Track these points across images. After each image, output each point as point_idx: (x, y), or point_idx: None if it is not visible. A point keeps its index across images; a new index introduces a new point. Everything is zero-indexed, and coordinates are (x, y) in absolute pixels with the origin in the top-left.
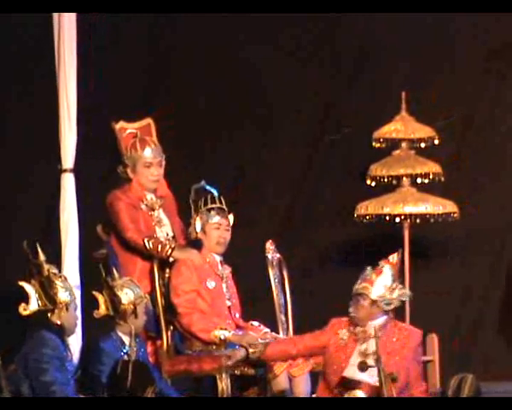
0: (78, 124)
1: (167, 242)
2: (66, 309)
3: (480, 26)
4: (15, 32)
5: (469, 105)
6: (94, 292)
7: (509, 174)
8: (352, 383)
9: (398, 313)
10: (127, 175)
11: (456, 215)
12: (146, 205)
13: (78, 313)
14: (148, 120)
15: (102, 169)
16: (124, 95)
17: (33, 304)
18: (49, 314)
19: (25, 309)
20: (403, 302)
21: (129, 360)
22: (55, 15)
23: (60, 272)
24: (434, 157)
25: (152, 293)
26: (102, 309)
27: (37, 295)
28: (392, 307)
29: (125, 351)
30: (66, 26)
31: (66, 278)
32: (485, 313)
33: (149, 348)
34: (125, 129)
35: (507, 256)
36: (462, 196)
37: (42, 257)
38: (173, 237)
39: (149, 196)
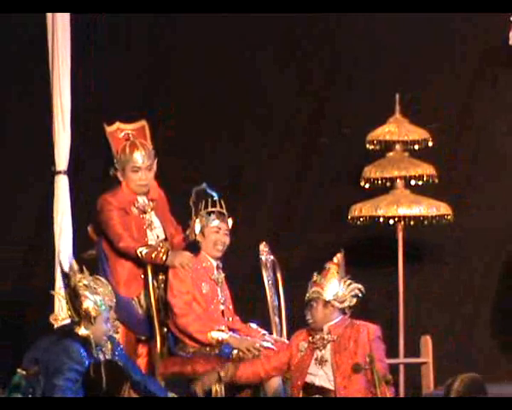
0: (77, 125)
1: (160, 245)
2: (92, 322)
3: (480, 26)
4: (15, 32)
5: (467, 105)
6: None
7: (507, 175)
8: (313, 389)
9: (393, 314)
10: (117, 178)
11: (450, 217)
12: (137, 208)
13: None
14: (143, 123)
15: (99, 170)
16: (123, 95)
17: (63, 315)
18: (75, 327)
19: (55, 319)
20: (359, 299)
21: (100, 362)
22: (49, 15)
23: (54, 273)
24: (428, 159)
25: (140, 296)
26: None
27: (66, 307)
28: (346, 304)
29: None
30: (59, 26)
31: (96, 290)
32: (480, 314)
33: (141, 351)
34: (121, 130)
35: (502, 258)
36: (457, 197)
37: (74, 268)
38: (165, 240)
39: (141, 199)
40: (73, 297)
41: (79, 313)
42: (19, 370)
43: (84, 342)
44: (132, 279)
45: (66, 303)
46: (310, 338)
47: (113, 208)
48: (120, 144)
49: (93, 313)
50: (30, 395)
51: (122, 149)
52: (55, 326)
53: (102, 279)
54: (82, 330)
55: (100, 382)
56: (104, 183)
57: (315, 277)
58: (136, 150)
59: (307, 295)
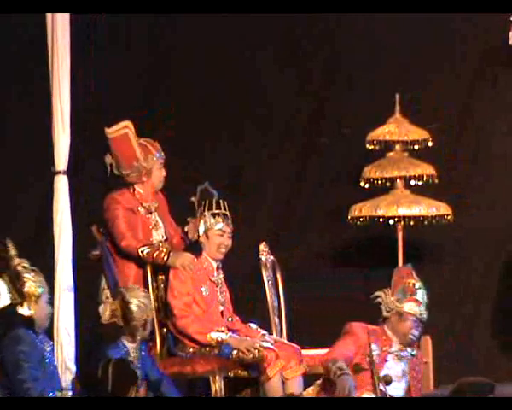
0: (77, 125)
1: (161, 244)
2: (36, 302)
3: (480, 26)
4: (15, 32)
5: (467, 105)
6: None
7: (507, 175)
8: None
9: None
10: (140, 179)
11: (449, 217)
12: (144, 208)
13: (71, 312)
14: (126, 123)
15: (98, 170)
16: (123, 95)
17: (4, 299)
18: (17, 307)
19: None
20: None
21: (109, 360)
22: (49, 15)
23: (53, 273)
24: (428, 159)
25: None
26: None
27: (8, 290)
28: None
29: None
30: (59, 26)
31: (37, 272)
32: (480, 314)
33: None
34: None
35: (502, 258)
36: (457, 197)
37: (11, 251)
38: (166, 240)
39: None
40: (15, 279)
41: (22, 294)
42: None
43: (28, 323)
44: (139, 278)
45: (7, 286)
46: (387, 347)
47: (119, 207)
48: (139, 147)
49: (36, 293)
50: (8, 395)
51: (147, 150)
52: None
53: None
54: (25, 310)
55: (106, 382)
56: (104, 183)
57: (421, 295)
58: (159, 148)
59: (419, 313)
